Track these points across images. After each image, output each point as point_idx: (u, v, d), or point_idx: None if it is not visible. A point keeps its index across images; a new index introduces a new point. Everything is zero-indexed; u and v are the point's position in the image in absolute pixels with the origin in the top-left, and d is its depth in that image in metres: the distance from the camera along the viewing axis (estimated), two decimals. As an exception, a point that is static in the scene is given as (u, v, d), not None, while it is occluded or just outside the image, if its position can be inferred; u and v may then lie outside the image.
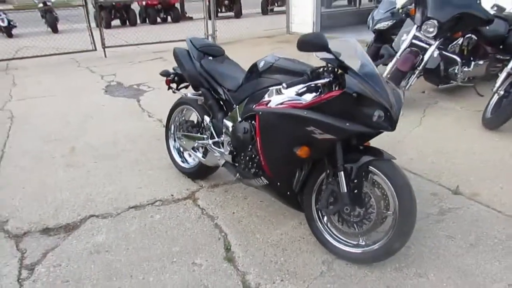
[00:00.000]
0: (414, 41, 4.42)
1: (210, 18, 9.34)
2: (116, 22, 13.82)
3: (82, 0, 8.37)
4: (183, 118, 3.19)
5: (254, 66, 2.51)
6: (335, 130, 1.98)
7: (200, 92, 2.83)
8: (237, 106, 2.57)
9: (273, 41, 9.42)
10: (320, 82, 2.05)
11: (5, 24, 11.50)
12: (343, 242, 2.26)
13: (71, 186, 3.14)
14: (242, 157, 2.48)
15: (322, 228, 2.31)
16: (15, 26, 11.97)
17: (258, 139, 2.28)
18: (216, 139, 2.75)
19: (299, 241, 2.43)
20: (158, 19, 14.14)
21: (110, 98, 5.54)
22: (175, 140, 3.28)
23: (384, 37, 5.28)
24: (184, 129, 3.13)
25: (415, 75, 4.42)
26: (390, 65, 4.47)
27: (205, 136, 2.87)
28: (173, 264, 2.28)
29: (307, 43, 1.94)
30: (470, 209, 2.68)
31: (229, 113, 2.66)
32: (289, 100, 2.14)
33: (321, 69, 2.12)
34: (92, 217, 2.74)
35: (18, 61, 8.01)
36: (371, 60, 2.16)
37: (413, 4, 4.58)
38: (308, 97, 2.09)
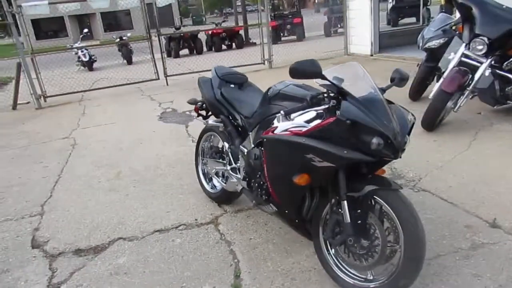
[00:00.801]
0: (464, 59, 4.15)
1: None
2: (185, 51, 14.74)
3: (147, 34, 9.05)
4: (210, 144, 3.29)
5: (266, 93, 2.54)
6: (333, 158, 1.92)
7: (220, 119, 2.91)
8: (250, 133, 2.60)
9: (327, 63, 9.34)
10: (319, 108, 2.02)
11: (87, 59, 12.79)
12: (351, 275, 2.15)
13: (108, 210, 3.36)
14: (253, 183, 2.49)
15: (330, 260, 2.21)
16: (95, 60, 13.26)
17: (264, 165, 2.29)
18: (234, 165, 2.79)
19: (310, 271, 2.35)
20: (223, 46, 14.79)
21: (162, 124, 5.88)
22: (202, 165, 3.38)
23: (435, 56, 5.00)
24: (209, 155, 3.22)
25: (464, 95, 4.12)
26: (437, 85, 4.23)
27: (225, 162, 2.93)
28: (182, 289, 2.33)
29: (300, 71, 1.93)
30: (507, 245, 2.40)
31: (245, 139, 2.70)
32: (294, 127, 2.12)
33: (322, 95, 2.08)
34: (120, 240, 2.91)
35: (91, 92, 8.84)
36: (375, 84, 2.09)
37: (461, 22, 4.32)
38: (314, 124, 2.06)
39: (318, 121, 2.01)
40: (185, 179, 3.77)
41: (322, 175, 2.05)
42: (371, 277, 2.08)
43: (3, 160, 4.96)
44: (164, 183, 3.74)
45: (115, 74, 10.76)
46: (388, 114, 1.93)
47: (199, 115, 3.26)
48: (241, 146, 2.70)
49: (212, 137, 3.25)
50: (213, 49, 14.69)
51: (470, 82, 4.06)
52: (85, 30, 13.63)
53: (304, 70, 1.92)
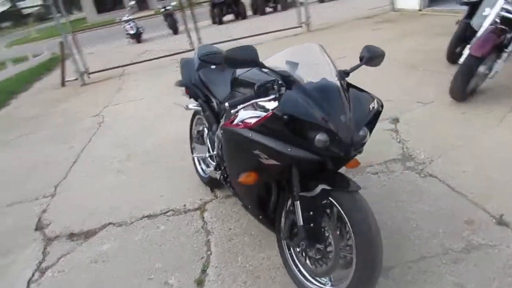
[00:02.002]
0: (504, 14, 3.54)
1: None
2: (230, 17, 14.47)
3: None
4: (197, 128, 3.17)
5: (232, 77, 2.34)
6: (277, 155, 1.72)
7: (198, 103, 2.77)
8: (222, 119, 2.43)
9: (370, 22, 8.65)
10: (263, 100, 1.80)
11: (134, 31, 13.05)
12: (309, 278, 1.97)
13: (109, 193, 3.43)
14: (222, 174, 2.36)
15: (290, 260, 2.05)
16: (142, 33, 13.49)
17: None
18: (211, 152, 2.66)
19: (277, 269, 2.21)
20: (268, 9, 14.28)
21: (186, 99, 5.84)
22: (193, 150, 3.29)
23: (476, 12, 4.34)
24: (196, 139, 3.12)
25: (501, 58, 3.55)
26: (467, 48, 3.69)
27: (206, 148, 2.81)
28: (148, 281, 2.31)
29: (232, 59, 1.71)
30: (510, 249, 2.05)
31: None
32: (250, 118, 1.93)
33: (270, 83, 1.84)
34: (110, 225, 2.96)
35: (132, 67, 9.02)
36: (334, 68, 1.81)
37: (501, -31, 3.64)
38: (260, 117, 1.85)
39: (264, 114, 1.80)
40: (187, 160, 3.72)
41: (271, 173, 1.86)
42: (329, 283, 1.89)
43: (38, 140, 5.27)
44: (166, 166, 3.73)
45: (159, 45, 10.86)
46: (341, 105, 1.67)
47: (191, 97, 3.14)
48: (217, 133, 2.55)
49: (199, 121, 3.13)
50: (257, 13, 14.24)
51: (509, 42, 3.47)
52: (131, 3, 13.83)
53: (237, 58, 1.70)
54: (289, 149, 1.67)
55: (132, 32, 12.94)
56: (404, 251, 2.16)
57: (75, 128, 5.45)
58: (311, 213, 1.81)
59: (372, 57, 1.94)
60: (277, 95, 1.77)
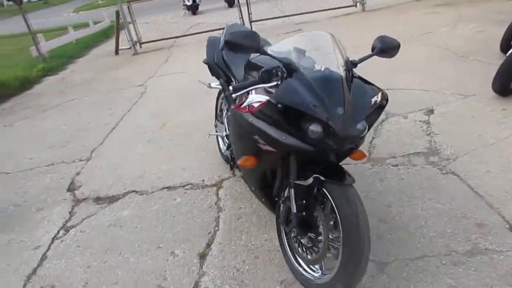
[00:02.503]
0: None
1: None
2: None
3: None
4: (221, 106, 3.22)
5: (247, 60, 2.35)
6: (273, 142, 1.74)
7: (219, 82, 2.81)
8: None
9: (429, 5, 8.13)
10: (266, 85, 1.80)
11: (190, 2, 13.21)
12: (302, 264, 2.00)
13: (138, 162, 3.61)
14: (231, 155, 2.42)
15: (286, 244, 2.08)
16: (198, 4, 13.61)
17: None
18: (227, 132, 2.72)
19: (277, 251, 2.25)
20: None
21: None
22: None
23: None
24: (219, 117, 3.17)
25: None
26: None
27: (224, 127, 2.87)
28: (157, 249, 2.45)
29: (234, 44, 1.72)
30: (517, 256, 1.95)
31: (237, 107, 2.58)
32: (257, 102, 1.95)
33: (275, 69, 1.84)
34: (133, 193, 3.14)
35: (184, 38, 9.21)
36: (342, 58, 1.77)
37: None
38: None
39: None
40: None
41: (270, 159, 1.88)
42: (319, 271, 1.91)
43: (85, 105, 5.60)
44: (196, 139, 3.84)
45: (212, 18, 10.96)
46: (339, 97, 1.64)
47: (213, 75, 3.18)
48: (228, 114, 2.59)
49: (224, 100, 3.18)
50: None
51: None
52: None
53: (239, 43, 1.72)
54: (284, 137, 1.69)
55: (188, 3, 13.11)
56: (406, 248, 2.12)
57: (119, 96, 5.72)
58: (304, 201, 1.83)
59: (384, 48, 1.87)
60: (279, 82, 1.77)
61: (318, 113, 1.59)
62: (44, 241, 2.72)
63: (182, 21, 12.16)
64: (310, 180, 1.77)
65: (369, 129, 1.74)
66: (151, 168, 3.45)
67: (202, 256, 2.33)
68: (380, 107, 1.75)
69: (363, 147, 3.15)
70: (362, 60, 1.86)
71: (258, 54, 2.16)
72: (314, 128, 1.61)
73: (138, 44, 8.92)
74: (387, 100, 1.78)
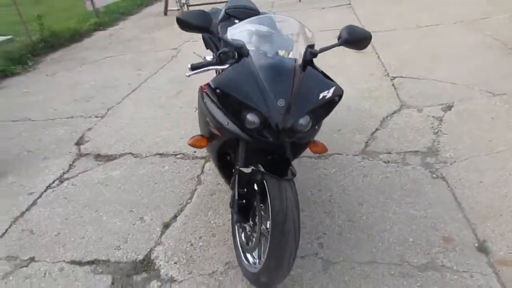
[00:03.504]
0: None
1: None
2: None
3: None
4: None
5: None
6: (218, 127, 1.72)
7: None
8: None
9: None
10: (219, 67, 1.76)
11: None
12: (245, 251, 1.99)
13: (144, 125, 3.72)
14: None
15: (235, 229, 2.08)
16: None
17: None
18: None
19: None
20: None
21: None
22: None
23: None
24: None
25: None
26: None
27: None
28: (129, 213, 2.56)
29: (185, 23, 1.69)
30: (471, 280, 1.80)
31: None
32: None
33: (231, 51, 1.78)
34: (129, 155, 3.25)
35: None
36: (303, 46, 1.68)
37: None
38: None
39: None
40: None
41: (218, 143, 1.86)
42: (257, 261, 1.90)
43: (119, 63, 5.79)
44: (201, 109, 3.86)
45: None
46: (283, 87, 1.58)
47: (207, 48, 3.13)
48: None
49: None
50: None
51: None
52: None
53: (189, 22, 1.68)
54: (227, 123, 1.66)
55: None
56: (359, 250, 2.04)
57: (152, 57, 5.84)
58: (245, 190, 1.80)
59: (350, 39, 1.73)
60: (231, 64, 1.71)
61: (255, 103, 1.54)
62: (38, 189, 2.92)
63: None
64: (249, 170, 1.73)
65: (315, 125, 1.66)
66: (153, 133, 3.54)
67: (166, 226, 2.40)
68: (331, 103, 1.65)
69: (361, 138, 3.04)
70: (323, 50, 1.74)
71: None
72: (251, 118, 1.56)
73: (185, 6, 8.96)
74: (340, 96, 1.66)
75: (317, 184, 2.61)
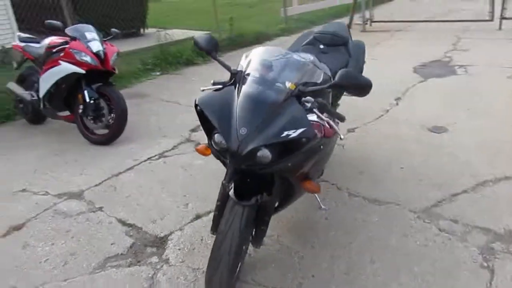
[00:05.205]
0: None
1: None
2: None
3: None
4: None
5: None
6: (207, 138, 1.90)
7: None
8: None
9: None
10: (217, 86, 1.91)
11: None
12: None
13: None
14: None
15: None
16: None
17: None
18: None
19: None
20: None
21: (410, 76, 5.43)
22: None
23: None
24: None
25: None
26: None
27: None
28: (182, 197, 2.93)
29: (196, 43, 1.96)
30: None
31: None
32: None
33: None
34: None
35: (417, 24, 8.61)
36: (297, 80, 1.72)
37: None
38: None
39: None
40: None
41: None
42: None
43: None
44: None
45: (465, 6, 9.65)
46: (251, 118, 1.66)
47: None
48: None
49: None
50: None
51: None
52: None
53: (198, 43, 1.93)
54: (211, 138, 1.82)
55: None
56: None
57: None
58: (219, 203, 1.92)
59: (343, 84, 1.64)
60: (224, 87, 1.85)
61: (219, 125, 1.66)
62: (142, 158, 3.59)
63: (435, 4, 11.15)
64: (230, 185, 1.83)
65: (279, 161, 1.65)
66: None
67: (197, 217, 2.68)
68: (297, 142, 1.62)
69: (436, 196, 2.64)
70: (312, 90, 1.70)
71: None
72: (217, 139, 1.70)
73: (369, 22, 8.90)
74: (307, 139, 1.61)
75: (348, 227, 2.45)
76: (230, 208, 1.74)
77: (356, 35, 8.30)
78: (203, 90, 2.00)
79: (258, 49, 1.95)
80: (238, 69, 1.85)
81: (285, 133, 1.61)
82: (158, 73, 6.49)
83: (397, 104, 4.38)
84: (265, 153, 1.62)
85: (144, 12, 9.44)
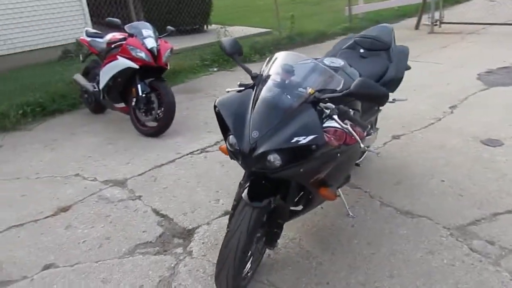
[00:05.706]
0: None
1: None
2: None
3: None
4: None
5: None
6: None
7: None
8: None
9: None
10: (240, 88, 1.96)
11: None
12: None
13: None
14: None
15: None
16: None
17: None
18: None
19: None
20: None
21: (476, 84, 5.08)
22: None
23: None
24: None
25: None
26: None
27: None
28: (215, 192, 3.03)
29: (221, 46, 2.00)
30: None
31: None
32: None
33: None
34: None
35: (492, 27, 8.01)
36: (317, 87, 1.74)
37: None
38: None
39: None
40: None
41: None
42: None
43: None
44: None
45: None
46: (265, 123, 1.71)
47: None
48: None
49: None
50: None
51: None
52: None
53: (223, 46, 1.98)
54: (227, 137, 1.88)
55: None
56: None
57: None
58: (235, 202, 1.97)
59: (357, 93, 1.61)
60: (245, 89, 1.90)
61: (233, 127, 1.71)
62: (185, 152, 3.74)
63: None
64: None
65: (287, 166, 1.67)
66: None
67: (225, 213, 2.75)
68: (306, 149, 1.62)
69: (474, 214, 2.48)
70: (330, 97, 1.69)
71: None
72: (231, 140, 1.75)
73: (439, 23, 8.41)
74: (317, 146, 1.60)
75: (373, 237, 2.39)
76: (241, 209, 1.79)
77: (422, 37, 8.01)
78: (228, 92, 2.06)
79: (280, 54, 1.97)
80: (260, 73, 1.88)
81: (295, 139, 1.62)
82: (215, 69, 6.66)
83: (451, 112, 4.12)
84: (275, 157, 1.65)
85: (207, 9, 9.71)
